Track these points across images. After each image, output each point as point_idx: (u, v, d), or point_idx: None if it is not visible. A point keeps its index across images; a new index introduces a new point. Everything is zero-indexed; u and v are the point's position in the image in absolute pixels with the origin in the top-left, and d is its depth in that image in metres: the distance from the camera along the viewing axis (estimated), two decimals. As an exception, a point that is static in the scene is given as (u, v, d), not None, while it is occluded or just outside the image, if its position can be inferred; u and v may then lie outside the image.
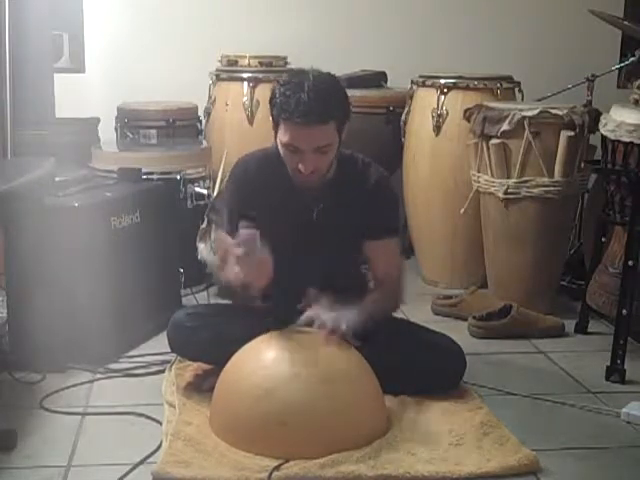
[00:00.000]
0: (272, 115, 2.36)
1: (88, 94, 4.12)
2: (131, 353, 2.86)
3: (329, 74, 2.38)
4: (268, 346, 2.26)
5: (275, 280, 2.27)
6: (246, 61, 4.06)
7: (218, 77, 4.08)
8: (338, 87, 2.38)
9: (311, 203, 2.47)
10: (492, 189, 3.34)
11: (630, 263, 2.77)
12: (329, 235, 2.47)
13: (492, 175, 3.33)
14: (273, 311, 2.43)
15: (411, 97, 3.80)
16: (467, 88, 3.64)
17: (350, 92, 2.44)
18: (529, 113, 3.22)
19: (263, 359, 2.24)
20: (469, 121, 3.41)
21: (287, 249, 2.41)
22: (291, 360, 2.20)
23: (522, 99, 3.76)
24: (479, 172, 3.40)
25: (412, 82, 3.81)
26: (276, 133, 2.37)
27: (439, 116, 3.63)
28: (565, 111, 3.23)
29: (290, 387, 2.15)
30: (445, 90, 3.64)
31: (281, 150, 2.37)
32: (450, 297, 3.41)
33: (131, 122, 3.99)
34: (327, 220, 2.48)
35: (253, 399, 2.16)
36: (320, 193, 2.45)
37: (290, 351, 2.22)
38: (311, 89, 2.27)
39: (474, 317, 3.16)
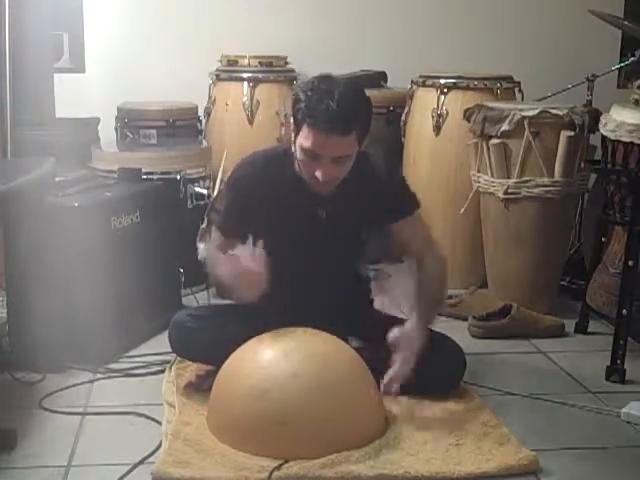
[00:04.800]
0: (294, 117, 2.31)
1: (88, 94, 4.12)
2: (131, 353, 2.86)
3: (357, 84, 2.35)
4: (266, 346, 2.26)
5: (282, 280, 2.26)
6: (246, 61, 4.05)
7: (218, 77, 4.08)
8: (365, 99, 2.35)
9: (319, 203, 2.45)
10: (492, 189, 3.33)
11: (630, 263, 2.77)
12: (337, 235, 2.46)
13: (492, 175, 3.33)
14: (277, 311, 2.42)
15: (411, 97, 3.80)
16: (467, 88, 3.64)
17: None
18: (529, 113, 3.22)
19: (261, 359, 2.23)
20: (469, 121, 3.41)
21: (295, 249, 2.41)
22: (290, 360, 2.20)
23: (522, 99, 3.76)
24: (479, 172, 3.40)
25: (412, 82, 3.81)
26: (296, 135, 2.32)
27: (439, 116, 3.63)
28: (565, 111, 3.23)
29: (289, 387, 2.15)
30: (445, 90, 3.63)
31: (299, 154, 2.33)
32: (450, 297, 3.40)
33: (131, 122, 3.98)
34: (335, 219, 2.46)
35: (252, 399, 2.16)
36: (328, 192, 2.42)
37: (289, 351, 2.22)
38: (341, 98, 2.23)
39: (474, 317, 3.16)
